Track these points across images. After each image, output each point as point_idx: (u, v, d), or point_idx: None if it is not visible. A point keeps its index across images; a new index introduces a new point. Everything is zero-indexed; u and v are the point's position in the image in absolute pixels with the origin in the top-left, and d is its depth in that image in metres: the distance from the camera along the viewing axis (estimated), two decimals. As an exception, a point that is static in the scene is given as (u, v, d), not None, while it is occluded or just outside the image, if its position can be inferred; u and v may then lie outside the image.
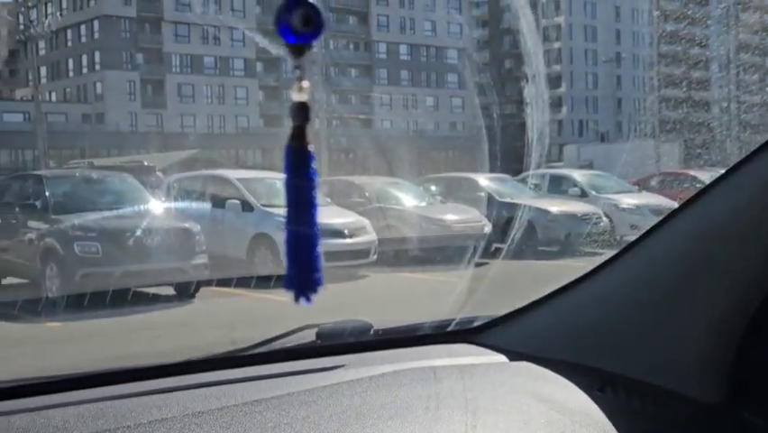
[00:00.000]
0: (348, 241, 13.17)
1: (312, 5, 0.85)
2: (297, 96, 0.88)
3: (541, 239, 14.84)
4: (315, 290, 0.85)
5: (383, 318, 2.08)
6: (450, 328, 2.06)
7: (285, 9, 0.84)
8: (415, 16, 78.88)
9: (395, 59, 78.58)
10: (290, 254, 0.85)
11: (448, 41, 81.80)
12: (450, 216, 15.15)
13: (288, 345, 1.92)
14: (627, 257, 1.82)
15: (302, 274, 0.85)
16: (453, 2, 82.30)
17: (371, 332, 2.00)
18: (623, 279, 1.82)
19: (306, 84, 0.88)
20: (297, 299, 0.85)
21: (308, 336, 1.94)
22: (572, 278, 1.90)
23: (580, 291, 1.88)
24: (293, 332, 1.94)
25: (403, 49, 79.11)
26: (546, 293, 1.92)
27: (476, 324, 2.04)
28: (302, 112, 0.87)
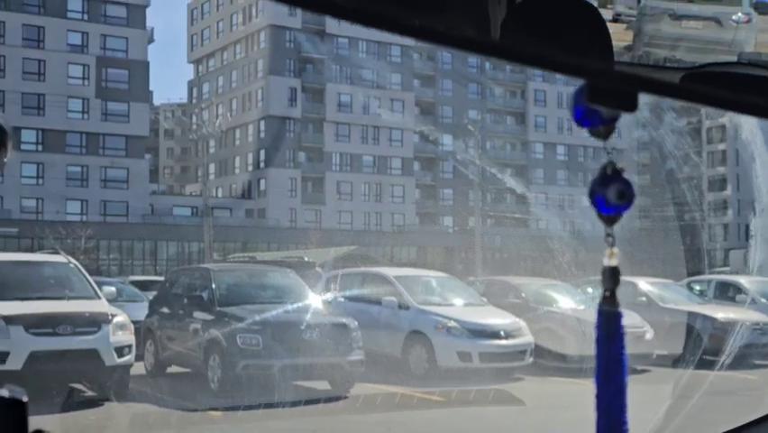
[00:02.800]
0: (504, 342, 13.00)
1: (627, 182, 0.90)
2: (607, 262, 0.93)
3: (707, 348, 14.12)
4: None
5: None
6: None
7: (600, 183, 0.90)
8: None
9: (551, 159, 78.30)
10: (600, 410, 0.90)
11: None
12: (609, 321, 14.65)
13: None
14: None
15: (610, 431, 0.90)
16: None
17: None
18: None
19: (616, 250, 0.93)
20: None
21: None
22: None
23: None
24: None
25: (560, 149, 78.79)
26: (743, 423, 1.83)
27: None
28: (614, 276, 0.93)
